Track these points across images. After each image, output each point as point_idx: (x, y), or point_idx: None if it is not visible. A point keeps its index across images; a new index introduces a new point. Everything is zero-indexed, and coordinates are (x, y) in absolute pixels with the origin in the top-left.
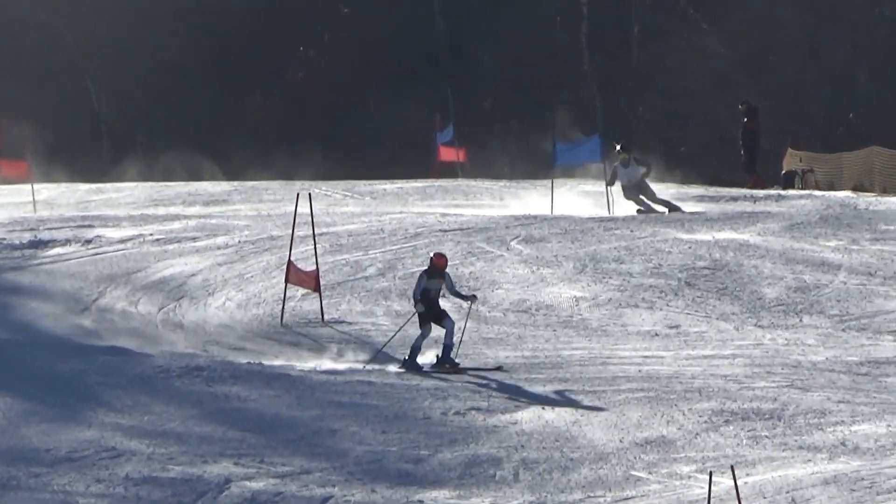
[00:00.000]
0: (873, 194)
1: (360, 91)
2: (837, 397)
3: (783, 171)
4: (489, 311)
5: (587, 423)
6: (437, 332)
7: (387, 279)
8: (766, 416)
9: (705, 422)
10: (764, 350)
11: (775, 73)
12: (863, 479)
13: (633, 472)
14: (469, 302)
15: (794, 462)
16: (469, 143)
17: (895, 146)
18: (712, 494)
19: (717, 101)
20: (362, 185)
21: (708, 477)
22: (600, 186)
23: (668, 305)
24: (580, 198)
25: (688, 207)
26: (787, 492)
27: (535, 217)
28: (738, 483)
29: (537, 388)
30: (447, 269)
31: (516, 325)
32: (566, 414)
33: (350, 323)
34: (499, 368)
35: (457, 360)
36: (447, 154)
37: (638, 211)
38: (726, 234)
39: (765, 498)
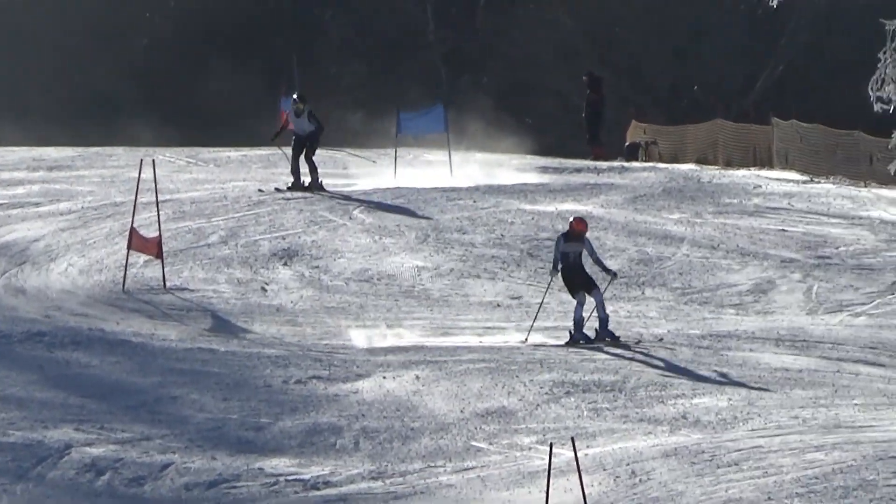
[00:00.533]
0: (717, 167)
1: (205, 58)
2: (679, 370)
3: (627, 143)
4: (331, 280)
5: (428, 393)
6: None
7: (229, 247)
8: (608, 388)
9: (546, 393)
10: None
11: (620, 45)
12: (703, 451)
13: (474, 443)
14: (610, 276)
15: (635, 434)
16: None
17: (739, 119)
18: (552, 466)
19: (562, 73)
20: (206, 153)
21: (548, 448)
22: (443, 156)
23: (510, 276)
24: (423, 168)
25: (532, 178)
26: (628, 464)
27: (378, 187)
28: (579, 455)
29: (378, 358)
30: (587, 236)
31: (358, 294)
32: (407, 384)
33: (192, 290)
34: (660, 340)
35: (616, 333)
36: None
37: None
38: (569, 206)
39: (605, 470)
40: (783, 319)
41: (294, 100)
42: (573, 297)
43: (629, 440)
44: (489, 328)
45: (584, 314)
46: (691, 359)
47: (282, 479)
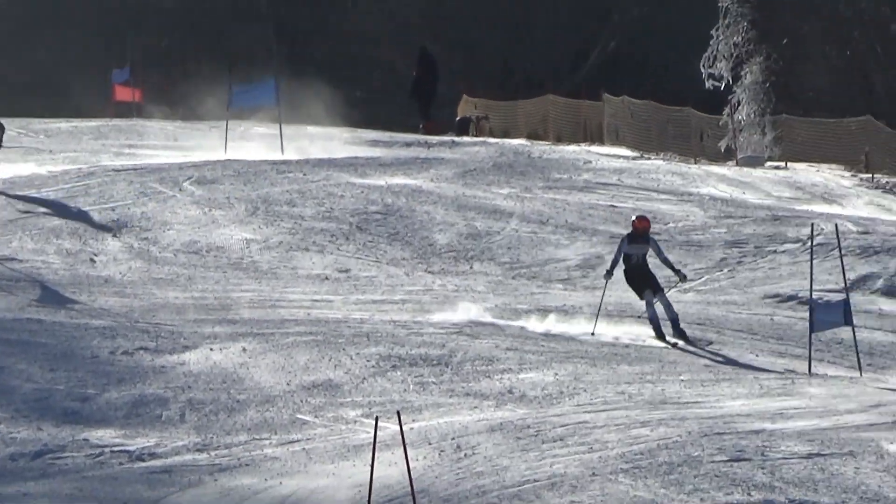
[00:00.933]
0: (547, 143)
1: (37, 28)
2: (506, 345)
3: (458, 118)
4: (160, 252)
5: (254, 365)
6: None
7: (59, 218)
8: (434, 362)
9: (373, 366)
10: (433, 296)
11: (453, 20)
12: (528, 426)
13: (300, 416)
14: (678, 277)
15: (461, 409)
16: (145, 84)
17: (570, 96)
18: (378, 439)
19: (396, 47)
20: (37, 124)
21: (374, 422)
22: (274, 129)
23: (338, 249)
24: (254, 140)
25: (362, 152)
26: (453, 438)
27: (209, 159)
28: (404, 428)
29: (206, 329)
30: (653, 235)
31: (186, 265)
32: (234, 356)
33: (21, 261)
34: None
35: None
36: (123, 94)
37: None
38: (399, 180)
39: (430, 444)
40: (611, 294)
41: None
42: (640, 298)
43: (455, 414)
44: (317, 301)
45: (655, 313)
46: (518, 334)
47: (107, 450)
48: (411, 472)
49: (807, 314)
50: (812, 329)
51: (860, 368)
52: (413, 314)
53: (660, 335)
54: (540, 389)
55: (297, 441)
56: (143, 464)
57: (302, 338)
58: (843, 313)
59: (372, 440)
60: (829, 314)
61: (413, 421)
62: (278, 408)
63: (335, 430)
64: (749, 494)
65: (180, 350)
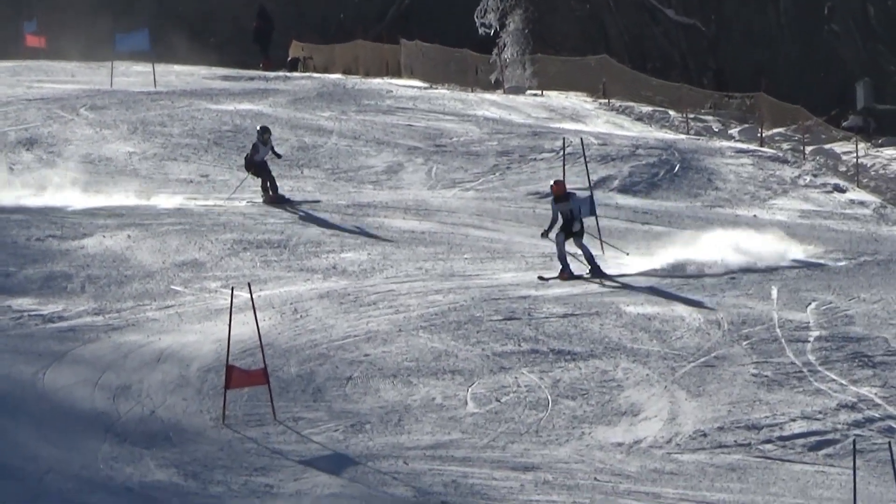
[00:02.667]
0: (358, 77)
1: None
2: (330, 231)
3: (289, 58)
4: (63, 162)
5: (138, 248)
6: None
7: None
8: (275, 245)
9: (228, 249)
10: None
11: None
12: (349, 294)
13: (173, 287)
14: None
15: (297, 280)
16: (49, 32)
17: (375, 40)
18: (233, 305)
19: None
20: None
21: (230, 291)
22: (148, 68)
23: (200, 159)
24: (133, 76)
25: (216, 84)
26: (291, 303)
27: (99, 90)
28: (254, 296)
29: (99, 221)
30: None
31: (83, 172)
32: (121, 241)
33: None
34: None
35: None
36: (32, 41)
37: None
38: (245, 106)
39: (273, 308)
40: (409, 193)
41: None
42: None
43: (292, 285)
44: (184, 199)
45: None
46: (339, 223)
47: (25, 314)
48: (260, 330)
49: None
50: None
51: (602, 248)
52: (258, 208)
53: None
54: (357, 265)
55: (172, 306)
56: (54, 325)
57: (173, 227)
58: (590, 206)
59: (229, 305)
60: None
61: (260, 290)
62: (156, 281)
63: (200, 298)
64: (519, 345)
65: (80, 237)
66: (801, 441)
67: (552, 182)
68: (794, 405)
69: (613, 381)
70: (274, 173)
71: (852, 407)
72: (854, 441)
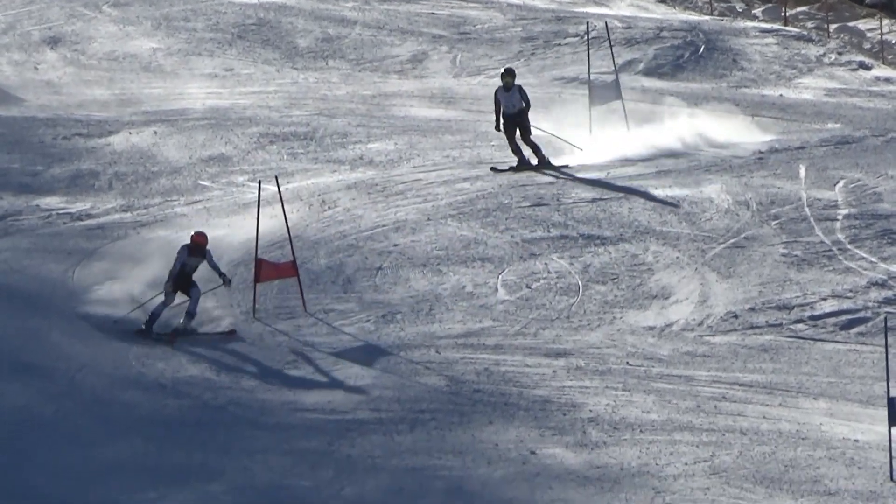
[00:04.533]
0: None
1: None
2: (356, 122)
3: None
4: (87, 60)
5: (164, 144)
6: None
7: (8, 36)
8: (302, 137)
9: (255, 142)
10: (298, 87)
11: None
12: (377, 184)
13: (200, 182)
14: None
15: (324, 172)
16: None
17: None
18: (261, 198)
19: None
20: None
21: (258, 184)
22: None
23: (224, 54)
24: None
25: None
26: (319, 195)
27: None
28: (281, 189)
29: (125, 118)
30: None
31: (108, 70)
32: (147, 137)
33: None
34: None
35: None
36: None
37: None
38: None
39: (301, 200)
40: (435, 82)
41: (502, 73)
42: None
43: (319, 177)
44: (209, 93)
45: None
46: (365, 113)
47: (54, 213)
48: (288, 223)
49: (586, 91)
50: (591, 103)
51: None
52: (284, 101)
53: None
54: (384, 156)
55: (199, 201)
56: (82, 223)
57: (199, 122)
58: (615, 89)
59: (257, 199)
60: (604, 91)
61: (287, 183)
62: (183, 176)
63: (228, 192)
64: (549, 231)
65: (106, 134)
66: (832, 320)
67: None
68: (824, 284)
69: (643, 264)
70: (298, 65)
71: (882, 284)
72: (885, 318)
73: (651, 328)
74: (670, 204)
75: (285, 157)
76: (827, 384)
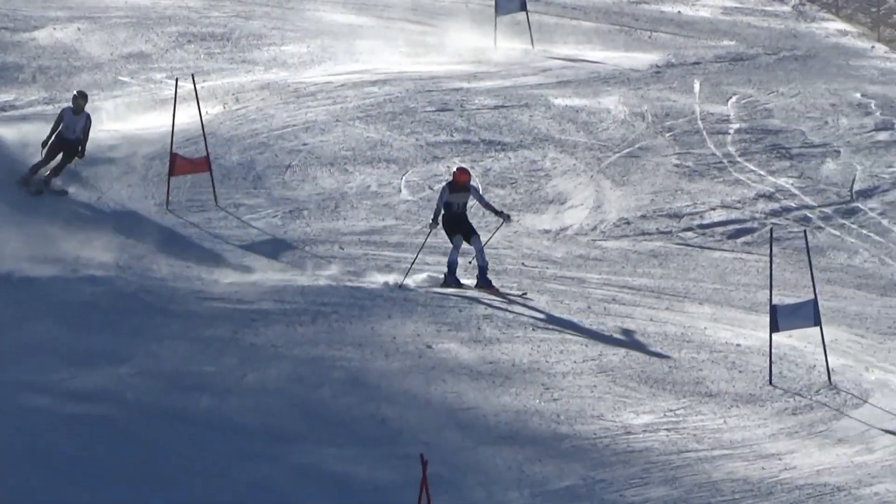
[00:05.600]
0: None
1: None
2: (272, 25)
3: None
4: None
5: (87, 40)
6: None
7: None
8: (219, 38)
9: (173, 41)
10: None
11: None
12: (289, 85)
13: (121, 78)
14: (502, 219)
15: (239, 72)
16: None
17: None
18: (178, 97)
19: None
20: None
21: (175, 82)
22: None
23: None
24: None
25: None
26: (233, 94)
27: None
28: (197, 87)
29: (50, 14)
30: (473, 183)
31: None
32: (71, 33)
33: None
34: (523, 294)
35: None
36: None
37: None
38: None
39: (216, 98)
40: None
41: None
42: (451, 241)
43: (234, 77)
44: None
45: (458, 258)
46: (279, 16)
47: None
48: (203, 119)
49: (492, 2)
50: (497, 13)
51: (532, 42)
52: (203, 2)
53: (451, 280)
54: (297, 58)
55: (119, 96)
56: (5, 113)
57: (121, 20)
58: (520, 1)
59: (173, 96)
60: (509, 3)
61: (203, 81)
62: (104, 72)
63: (146, 89)
64: (452, 135)
65: (31, 29)
66: (720, 229)
67: (455, 168)
68: (714, 195)
69: (541, 170)
70: None
71: (770, 197)
72: (771, 229)
73: (546, 231)
74: (569, 113)
75: (202, 56)
76: (712, 290)
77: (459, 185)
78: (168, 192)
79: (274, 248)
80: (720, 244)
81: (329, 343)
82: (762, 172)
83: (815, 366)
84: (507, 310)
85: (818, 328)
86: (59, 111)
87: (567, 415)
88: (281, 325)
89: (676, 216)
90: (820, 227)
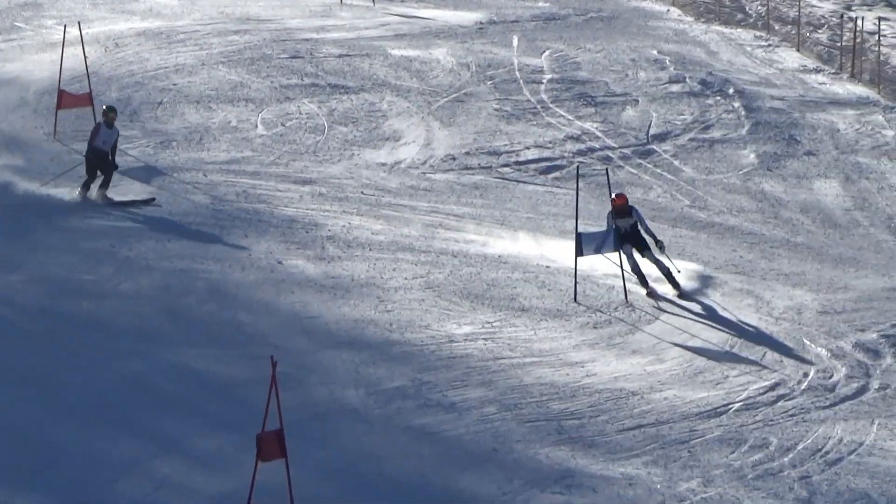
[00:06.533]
0: None
1: None
2: None
3: None
4: None
5: None
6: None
7: None
8: None
9: None
10: None
11: None
12: (162, 33)
13: (16, 24)
14: (658, 245)
15: (119, 21)
16: None
17: None
18: (66, 40)
19: None
20: None
21: (63, 28)
22: None
23: None
24: None
25: None
26: (114, 40)
27: None
28: (83, 32)
29: None
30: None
31: None
32: None
33: None
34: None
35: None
36: None
37: None
38: None
39: (99, 43)
40: None
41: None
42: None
43: (115, 24)
44: None
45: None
46: None
47: None
48: (87, 61)
49: None
50: None
51: (373, 1)
52: None
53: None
54: (170, 9)
55: (14, 39)
56: None
57: None
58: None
59: (62, 40)
60: None
61: (88, 28)
62: (2, 18)
63: (39, 34)
64: (302, 79)
65: None
66: (533, 166)
67: (613, 195)
68: (528, 136)
69: (379, 111)
70: None
71: (577, 138)
72: (577, 167)
73: (383, 164)
74: (404, 62)
75: (88, 6)
76: (526, 219)
77: (619, 208)
78: (56, 123)
79: (146, 173)
80: (533, 178)
81: (193, 257)
82: (570, 117)
83: (613, 287)
84: (347, 232)
85: (616, 254)
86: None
87: (398, 324)
88: (152, 240)
89: (496, 153)
90: (620, 166)
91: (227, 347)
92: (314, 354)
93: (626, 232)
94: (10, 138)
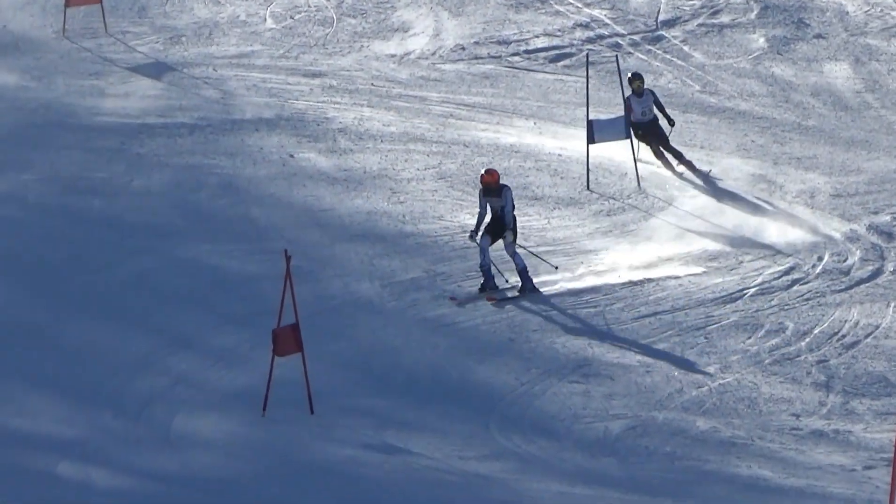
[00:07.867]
0: None
1: None
2: None
3: None
4: None
5: None
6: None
7: None
8: None
9: None
10: None
11: None
12: None
13: None
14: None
15: None
16: None
17: None
18: None
19: None
20: None
21: None
22: None
23: None
24: None
25: None
26: None
27: None
28: None
29: None
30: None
31: None
32: None
33: None
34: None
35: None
36: None
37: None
38: None
39: None
40: None
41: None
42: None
43: None
44: None
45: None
46: None
47: None
48: None
49: None
50: None
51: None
52: None
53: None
54: None
55: None
56: None
57: None
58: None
59: None
60: None
61: None
62: None
63: None
64: None
65: None
66: (543, 54)
67: (483, 171)
68: (537, 24)
69: (388, 2)
70: None
71: (586, 26)
72: (587, 54)
73: (393, 56)
74: None
75: None
76: (537, 107)
77: (489, 186)
78: (64, 21)
79: (156, 70)
80: (543, 67)
81: (204, 153)
82: (579, 5)
83: (626, 173)
84: (359, 124)
85: (628, 140)
86: None
87: (412, 216)
88: (163, 137)
89: (505, 43)
90: (629, 53)
91: (240, 242)
92: (328, 248)
93: (496, 215)
94: (20, 37)
